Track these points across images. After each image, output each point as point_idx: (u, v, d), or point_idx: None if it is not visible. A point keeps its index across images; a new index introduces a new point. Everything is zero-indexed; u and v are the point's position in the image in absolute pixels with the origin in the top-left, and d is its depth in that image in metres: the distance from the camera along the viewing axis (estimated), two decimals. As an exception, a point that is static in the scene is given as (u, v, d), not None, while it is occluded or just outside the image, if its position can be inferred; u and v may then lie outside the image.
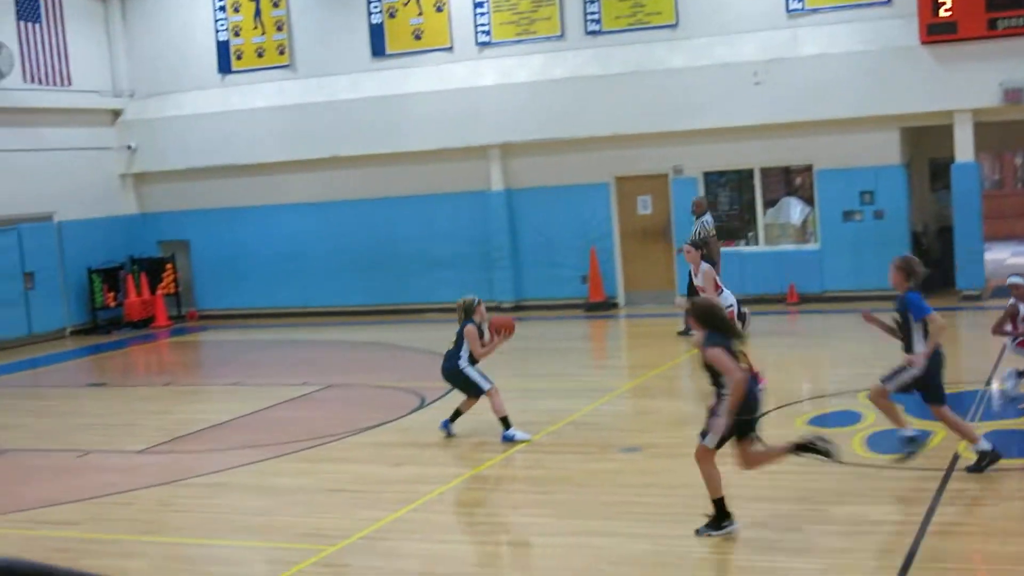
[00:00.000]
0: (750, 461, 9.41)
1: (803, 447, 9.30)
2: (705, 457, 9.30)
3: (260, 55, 25.16)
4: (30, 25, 24.19)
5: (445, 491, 10.94)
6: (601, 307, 22.58)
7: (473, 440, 12.80)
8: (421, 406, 14.83)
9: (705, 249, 15.92)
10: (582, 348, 20.12)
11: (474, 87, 23.21)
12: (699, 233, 19.30)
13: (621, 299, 22.90)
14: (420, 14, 23.82)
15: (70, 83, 24.99)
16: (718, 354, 9.17)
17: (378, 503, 10.70)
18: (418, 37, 23.89)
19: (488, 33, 23.38)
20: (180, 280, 25.70)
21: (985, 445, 10.25)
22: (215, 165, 25.30)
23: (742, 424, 9.18)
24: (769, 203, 22.21)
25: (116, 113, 26.16)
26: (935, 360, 10.17)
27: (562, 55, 22.85)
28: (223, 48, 25.40)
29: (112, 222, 25.72)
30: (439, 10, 23.68)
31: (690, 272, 16.08)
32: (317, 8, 24.68)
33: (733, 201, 22.53)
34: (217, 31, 25.40)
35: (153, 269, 25.52)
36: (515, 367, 17.73)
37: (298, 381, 17.27)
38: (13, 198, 23.52)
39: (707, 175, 22.32)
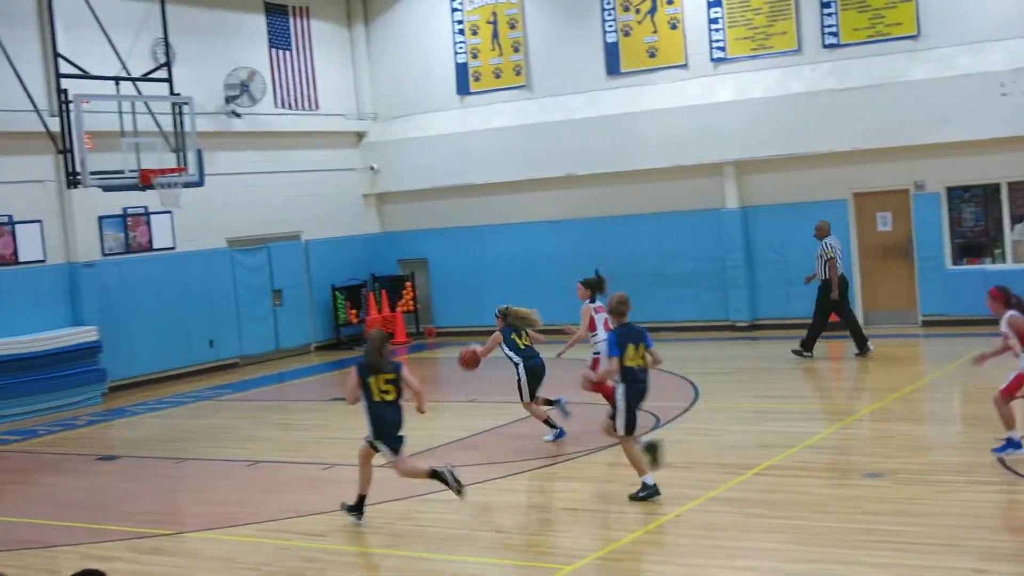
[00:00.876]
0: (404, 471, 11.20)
1: (437, 474, 11.02)
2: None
3: (497, 76, 25.51)
4: (281, 52, 25.15)
5: (682, 513, 10.79)
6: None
7: (711, 461, 12.61)
8: (656, 426, 14.69)
9: (599, 289, 15.01)
10: (819, 369, 19.60)
11: (709, 103, 22.97)
12: (821, 255, 19.19)
13: (860, 318, 22.20)
14: (654, 32, 23.73)
15: (318, 107, 25.86)
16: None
17: (615, 523, 10.65)
18: (652, 55, 23.81)
19: (723, 49, 23.11)
20: (419, 297, 26.25)
21: None
22: (454, 185, 25.76)
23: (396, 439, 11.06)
24: (1017, 219, 21.22)
25: (360, 135, 26.94)
26: None
27: (799, 69, 22.40)
28: (462, 70, 25.86)
29: (355, 241, 26.48)
30: (673, 27, 23.55)
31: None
32: (553, 29, 24.88)
33: (978, 217, 21.61)
34: (456, 53, 25.87)
35: (393, 287, 26.14)
36: (750, 387, 17.48)
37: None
38: (264, 219, 24.44)
39: (950, 190, 21.50)
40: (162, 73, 19.50)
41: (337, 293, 25.48)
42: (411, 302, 26.05)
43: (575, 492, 11.89)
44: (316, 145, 25.84)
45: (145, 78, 19.41)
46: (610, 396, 12.39)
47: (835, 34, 22.14)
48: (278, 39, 25.11)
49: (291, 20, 25.41)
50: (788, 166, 22.57)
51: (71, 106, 17.63)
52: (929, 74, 21.12)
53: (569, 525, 10.73)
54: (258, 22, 24.74)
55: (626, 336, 11.44)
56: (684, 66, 23.55)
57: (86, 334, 20.27)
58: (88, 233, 21.10)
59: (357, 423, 16.48)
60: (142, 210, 21.91)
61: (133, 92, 19.13)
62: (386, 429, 11.06)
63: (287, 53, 25.28)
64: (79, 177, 17.71)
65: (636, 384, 11.42)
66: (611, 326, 12.18)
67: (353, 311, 25.62)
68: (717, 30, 23.12)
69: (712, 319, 23.41)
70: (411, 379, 11.13)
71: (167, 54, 19.77)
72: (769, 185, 22.86)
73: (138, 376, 21.48)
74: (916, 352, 20.12)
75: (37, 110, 18.67)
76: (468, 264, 25.53)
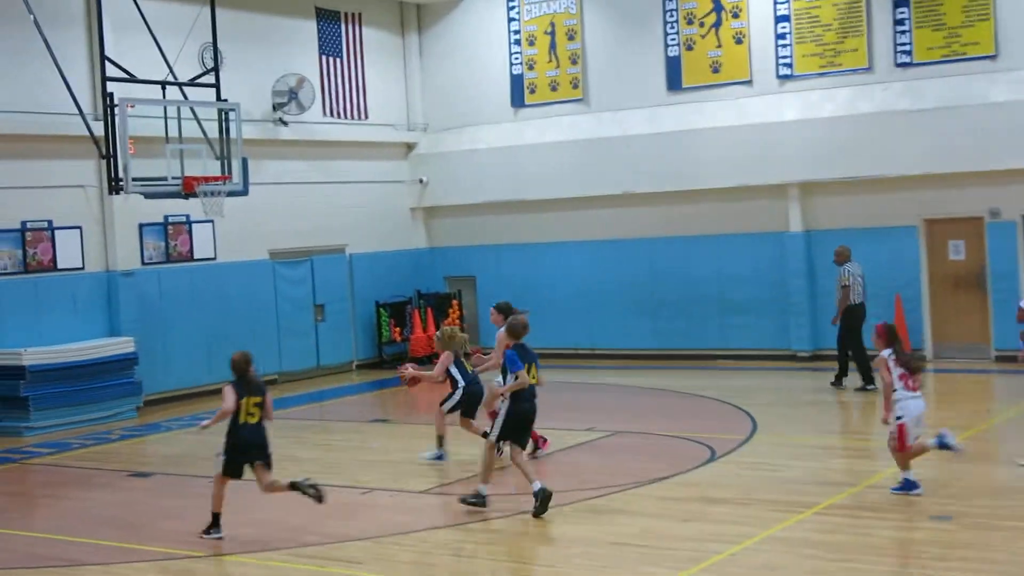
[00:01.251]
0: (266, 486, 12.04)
1: (296, 486, 11.84)
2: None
3: (554, 88, 25.49)
4: (331, 59, 25.27)
5: (737, 552, 10.65)
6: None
7: (768, 498, 12.46)
8: (712, 459, 14.56)
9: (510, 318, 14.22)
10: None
11: (774, 122, 22.84)
12: (840, 281, 19.39)
13: (928, 352, 21.97)
14: (719, 46, 23.64)
15: (367, 117, 25.94)
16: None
17: (665, 560, 10.52)
18: (716, 70, 23.71)
19: (790, 66, 22.98)
20: (465, 316, 26.20)
21: None
22: (505, 200, 25.74)
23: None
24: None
25: (409, 147, 27.01)
26: None
27: (869, 88, 22.22)
28: (517, 82, 25.87)
29: (401, 256, 26.52)
30: (739, 42, 23.45)
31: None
32: (612, 40, 24.83)
33: (1057, 248, 21.33)
34: (512, 64, 25.89)
35: (439, 305, 26.13)
36: (813, 422, 17.30)
37: (583, 426, 17.27)
38: (308, 231, 24.55)
39: (1027, 218, 21.26)
40: (209, 78, 19.64)
41: (381, 310, 25.51)
42: (457, 321, 26.01)
43: (622, 526, 11.78)
44: (364, 156, 25.93)
45: (192, 83, 19.55)
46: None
47: (908, 52, 21.95)
48: (329, 46, 25.23)
49: (343, 27, 25.53)
50: (856, 189, 22.38)
51: (116, 110, 17.76)
52: (1007, 96, 20.88)
53: (615, 561, 10.62)
54: (309, 28, 24.88)
55: (525, 355, 12.56)
56: (748, 83, 23.44)
57: (122, 345, 20.40)
58: (128, 241, 21.27)
59: (397, 445, 16.54)
60: (184, 219, 22.06)
61: (179, 97, 19.26)
62: (246, 450, 12.01)
63: (337, 60, 25.40)
64: (121, 183, 17.83)
65: (527, 402, 12.54)
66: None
67: (397, 329, 25.63)
68: (784, 46, 22.99)
69: (772, 348, 23.22)
70: (270, 406, 12.20)
71: (215, 59, 19.92)
72: (835, 209, 22.67)
73: (174, 390, 21.59)
74: (988, 389, 19.84)
75: (81, 113, 18.83)
76: (518, 283, 25.41)
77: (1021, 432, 16.01)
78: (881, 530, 11.08)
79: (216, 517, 12.06)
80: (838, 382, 19.63)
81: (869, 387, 18.82)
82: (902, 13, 21.95)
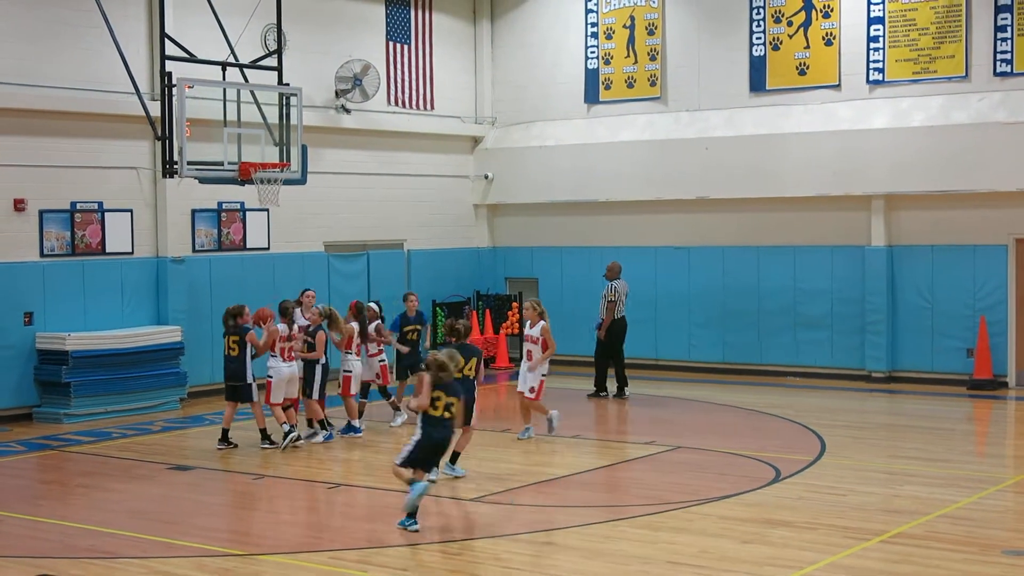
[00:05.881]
0: None
1: None
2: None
3: (630, 85, 25.56)
4: (399, 46, 25.50)
5: (797, 578, 10.70)
6: (987, 385, 21.58)
7: (833, 523, 12.47)
8: (776, 479, 14.58)
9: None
10: (963, 431, 19.28)
11: (861, 129, 22.77)
12: (607, 296, 21.54)
13: (1012, 378, 21.81)
14: (807, 47, 23.60)
15: (433, 107, 26.14)
16: None
17: (721, 583, 10.58)
18: (802, 72, 23.68)
19: (881, 71, 22.90)
20: (525, 320, 26.21)
21: None
22: (573, 200, 25.84)
23: None
24: None
25: (476, 140, 27.18)
26: None
27: (965, 98, 22.10)
28: (592, 76, 25.97)
29: (461, 254, 26.70)
30: (828, 43, 23.39)
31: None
32: (694, 37, 24.84)
33: None
34: (587, 58, 25.99)
35: (499, 306, 26.26)
36: (885, 446, 17.27)
37: (644, 439, 17.35)
38: (366, 224, 24.79)
39: None
40: (271, 61, 19.83)
41: (438, 309, 25.68)
42: (517, 324, 26.11)
43: (682, 545, 11.84)
44: (428, 148, 26.13)
45: (253, 65, 19.76)
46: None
47: (1008, 61, 21.80)
48: (397, 32, 25.46)
49: (412, 12, 25.75)
50: (944, 204, 22.27)
51: (173, 90, 18.01)
52: (1111, 112, 20.72)
53: (671, 581, 10.71)
54: (376, 12, 25.12)
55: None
56: (837, 86, 23.39)
57: (169, 334, 20.74)
58: (179, 227, 21.61)
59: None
60: (238, 206, 22.37)
61: (239, 80, 19.49)
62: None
63: (405, 47, 25.62)
64: (175, 166, 18.07)
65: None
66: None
67: (455, 330, 25.72)
68: (877, 49, 22.91)
69: (846, 367, 23.16)
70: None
71: (279, 41, 20.13)
72: (921, 223, 22.57)
73: (219, 383, 21.80)
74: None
75: (138, 92, 19.09)
76: (582, 287, 25.45)
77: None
78: (951, 563, 11.06)
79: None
80: (596, 393, 21.69)
81: (625, 394, 21.46)
82: (1004, 19, 21.79)
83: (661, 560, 11.35)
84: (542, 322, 17.40)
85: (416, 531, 12.23)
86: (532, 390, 17.23)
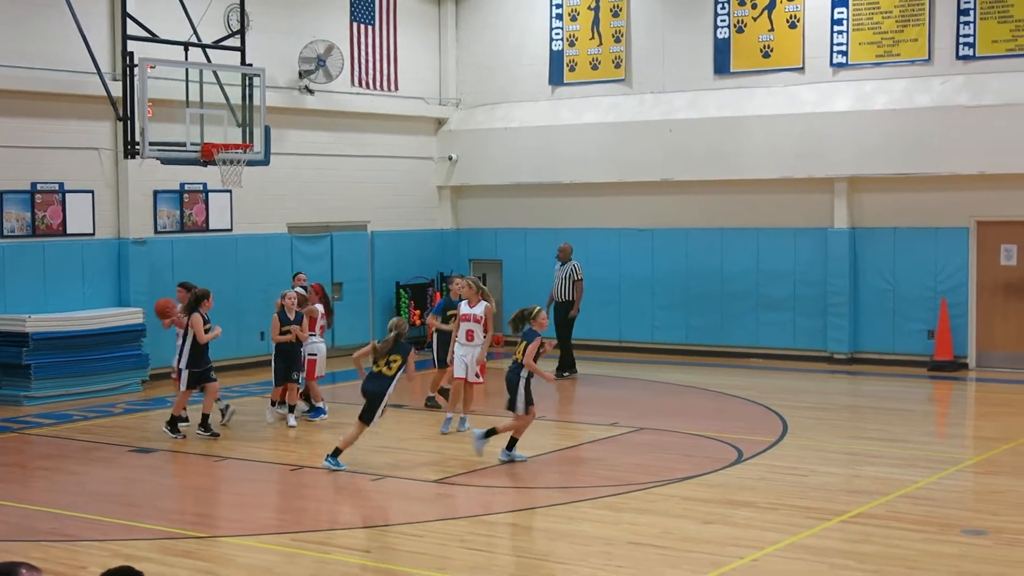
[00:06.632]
0: None
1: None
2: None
3: (595, 67, 25.56)
4: (363, 27, 25.40)
5: (759, 558, 10.75)
6: (948, 367, 21.75)
7: (795, 504, 12.55)
8: (739, 460, 14.67)
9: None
10: (923, 412, 19.44)
11: (824, 112, 22.85)
12: (577, 274, 22.00)
13: (972, 360, 22.00)
14: (771, 30, 23.64)
15: (397, 88, 26.06)
16: None
17: (684, 563, 10.63)
18: (766, 55, 23.73)
19: (845, 54, 22.97)
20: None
21: None
22: (538, 182, 25.84)
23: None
24: None
25: (440, 122, 27.13)
26: None
27: (927, 81, 22.21)
28: (556, 58, 25.95)
29: (425, 236, 26.67)
30: (792, 26, 23.44)
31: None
32: (659, 19, 24.85)
33: (1116, 257, 21.31)
34: (552, 40, 25.96)
35: (464, 288, 26.20)
36: (846, 427, 17.38)
37: (607, 421, 17.41)
38: (329, 205, 24.73)
39: (1086, 225, 21.23)
40: (234, 41, 19.73)
41: (402, 291, 25.67)
42: (482, 306, 26.11)
43: (644, 526, 11.90)
44: (392, 129, 26.07)
45: (216, 45, 19.66)
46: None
47: (971, 45, 21.90)
48: (361, 12, 25.35)
49: (376, -8, 25.66)
50: (907, 187, 22.39)
51: (135, 70, 17.90)
52: (1072, 95, 20.87)
53: (632, 561, 10.74)
54: (340, -8, 25.03)
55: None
56: (800, 69, 23.45)
57: (131, 316, 20.63)
58: (141, 208, 21.50)
59: (411, 434, 16.69)
60: (200, 187, 22.27)
61: (202, 60, 19.38)
62: None
63: (369, 28, 25.52)
64: (137, 147, 17.97)
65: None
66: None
67: (417, 311, 25.78)
68: (840, 32, 22.97)
69: (809, 348, 23.28)
70: None
71: (242, 22, 20.03)
72: (884, 206, 22.69)
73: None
74: (1035, 400, 19.88)
75: (99, 72, 18.96)
76: (546, 269, 25.38)
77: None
78: (911, 542, 11.15)
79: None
80: (571, 371, 22.09)
81: (571, 374, 21.94)
82: (967, 3, 21.85)
83: (623, 541, 11.40)
84: (484, 303, 16.87)
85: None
86: (478, 375, 16.68)
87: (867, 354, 22.86)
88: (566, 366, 22.02)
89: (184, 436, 16.36)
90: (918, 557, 10.70)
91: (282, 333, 17.14)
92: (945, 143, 21.76)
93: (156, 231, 21.78)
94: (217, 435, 16.45)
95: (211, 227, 22.69)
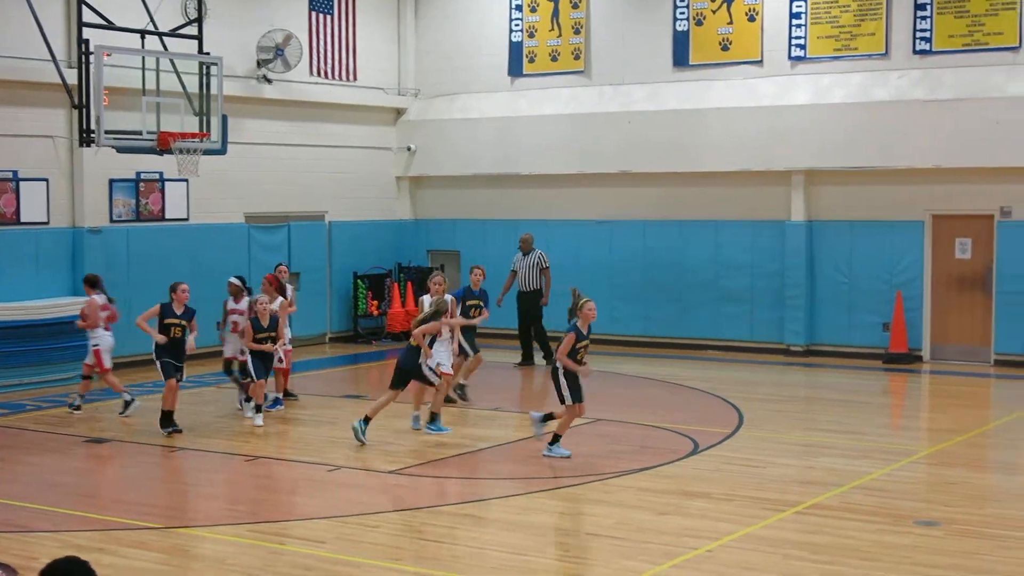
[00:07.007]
0: None
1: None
2: None
3: (554, 59, 25.55)
4: (322, 16, 25.28)
5: (714, 549, 10.80)
6: (903, 359, 21.90)
7: (750, 495, 12.61)
8: (695, 451, 14.72)
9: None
10: (878, 404, 19.56)
11: (782, 105, 22.94)
12: (544, 262, 22.07)
13: (926, 352, 22.16)
14: (730, 23, 23.70)
15: (355, 78, 25.96)
16: None
17: (640, 554, 10.66)
18: (725, 48, 23.79)
19: (803, 47, 23.06)
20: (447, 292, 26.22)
21: None
22: (496, 173, 25.82)
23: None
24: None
25: (399, 112, 27.05)
26: None
27: (884, 75, 22.33)
28: (516, 49, 25.93)
29: (383, 226, 26.60)
30: (751, 19, 23.51)
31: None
32: (619, 11, 24.87)
33: (1067, 252, 21.48)
34: (512, 31, 25.93)
35: (421, 279, 26.11)
36: (802, 418, 17.49)
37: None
38: (287, 195, 24.62)
39: (1040, 219, 21.41)
40: (192, 30, 19.60)
41: (359, 281, 25.60)
42: (441, 298, 26.08)
43: (600, 517, 11.93)
44: (350, 119, 25.98)
45: (173, 33, 19.53)
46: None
47: (928, 40, 22.04)
48: (320, 1, 25.24)
49: (334, -18, 25.55)
50: (863, 180, 22.52)
51: (91, 58, 17.77)
52: (1027, 90, 21.03)
53: (589, 552, 10.77)
54: (299, -19, 24.90)
55: None
56: (759, 62, 23.53)
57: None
58: (97, 197, 21.34)
59: (369, 424, 16.62)
60: (156, 176, 22.13)
61: (159, 48, 19.24)
62: None
63: (328, 17, 25.41)
64: (93, 135, 17.84)
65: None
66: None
67: (375, 302, 25.73)
68: (799, 26, 23.06)
69: (765, 340, 23.38)
70: None
71: (199, 10, 19.91)
72: (840, 199, 22.81)
73: (137, 355, 21.60)
74: (985, 393, 20.03)
75: (54, 59, 18.80)
76: (504, 260, 25.34)
77: (1016, 440, 16.17)
78: (865, 533, 11.23)
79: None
80: (535, 360, 22.29)
81: (528, 364, 22.30)
82: (924, -2, 22.05)
83: (579, 532, 11.44)
84: (449, 296, 17.04)
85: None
86: (445, 369, 16.51)
87: (823, 346, 22.99)
88: (528, 357, 22.33)
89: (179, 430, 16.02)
90: (871, 548, 10.77)
91: (257, 341, 16.49)
92: (901, 137, 21.90)
93: (112, 220, 21.62)
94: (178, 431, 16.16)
95: (167, 216, 22.54)
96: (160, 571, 10.43)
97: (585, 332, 14.59)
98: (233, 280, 18.10)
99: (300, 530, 11.60)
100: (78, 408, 17.51)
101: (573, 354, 14.33)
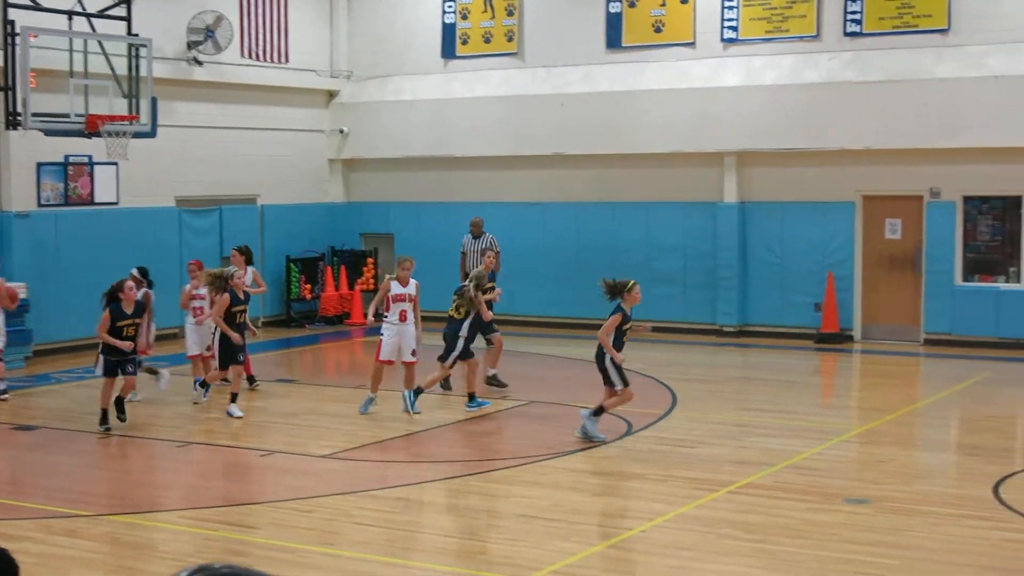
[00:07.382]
0: None
1: None
2: None
3: (487, 41, 25.48)
4: (251, -3, 25.06)
5: (648, 529, 10.86)
6: (834, 339, 22.10)
7: (683, 475, 12.68)
8: (628, 432, 14.78)
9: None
10: (809, 383, 19.76)
11: (715, 87, 23.03)
12: (495, 247, 20.65)
13: (857, 332, 22.38)
14: (663, 5, 23.74)
15: (287, 60, 25.73)
16: None
17: (574, 535, 10.70)
18: (658, 30, 23.83)
19: (735, 29, 23.15)
20: (381, 276, 26.15)
21: None
22: (429, 156, 25.74)
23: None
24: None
25: (331, 94, 26.89)
26: None
27: (815, 57, 22.48)
28: (449, 31, 25.83)
29: (316, 209, 26.45)
30: (684, 1, 23.55)
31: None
32: (552, -7, 24.85)
33: (995, 232, 21.73)
34: (445, 12, 25.82)
35: (354, 262, 26.12)
36: (735, 399, 17.60)
37: (498, 395, 17.42)
38: (218, 179, 24.40)
39: (967, 200, 21.62)
40: (121, 11, 19.44)
41: (292, 265, 25.45)
42: (372, 280, 26.03)
43: (535, 499, 11.94)
44: (282, 102, 25.79)
45: (101, 15, 19.34)
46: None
47: (858, 22, 22.19)
48: (250, -17, 25.00)
49: (265, -37, 25.32)
50: (794, 161, 22.67)
51: (17, 39, 17.55)
52: (956, 73, 21.22)
53: (523, 534, 10.79)
54: (228, -38, 24.65)
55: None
56: (691, 44, 23.59)
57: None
58: (24, 181, 21.03)
59: (299, 408, 16.58)
60: (85, 159, 21.84)
61: (87, 29, 19.04)
62: None
63: (258, -2, 25.18)
64: (19, 118, 17.66)
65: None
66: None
67: (307, 286, 25.59)
68: (731, 7, 23.13)
69: (698, 321, 23.48)
70: None
71: (127, -10, 19.71)
72: (772, 180, 22.95)
73: (67, 341, 21.41)
74: (915, 372, 20.25)
75: (-22, 41, 18.58)
76: (438, 243, 25.30)
77: (944, 418, 16.39)
78: (797, 512, 11.34)
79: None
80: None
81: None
82: (855, -20, 22.19)
83: (513, 514, 11.45)
84: (413, 280, 16.67)
85: None
86: (414, 353, 16.45)
87: (755, 327, 23.14)
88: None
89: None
90: (802, 526, 10.88)
91: (233, 314, 15.97)
92: (832, 119, 22.06)
93: (40, 204, 21.33)
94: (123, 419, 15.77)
95: (97, 200, 22.26)
96: (91, 559, 10.34)
97: (630, 314, 14.45)
98: (133, 271, 17.26)
99: (233, 516, 11.53)
100: (4, 394, 17.27)
101: (619, 336, 14.29)
